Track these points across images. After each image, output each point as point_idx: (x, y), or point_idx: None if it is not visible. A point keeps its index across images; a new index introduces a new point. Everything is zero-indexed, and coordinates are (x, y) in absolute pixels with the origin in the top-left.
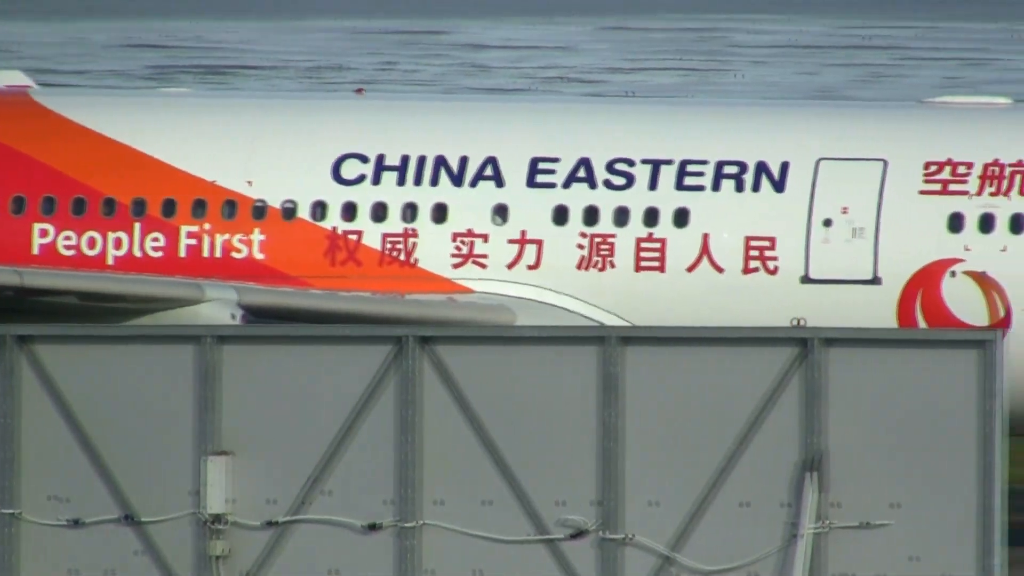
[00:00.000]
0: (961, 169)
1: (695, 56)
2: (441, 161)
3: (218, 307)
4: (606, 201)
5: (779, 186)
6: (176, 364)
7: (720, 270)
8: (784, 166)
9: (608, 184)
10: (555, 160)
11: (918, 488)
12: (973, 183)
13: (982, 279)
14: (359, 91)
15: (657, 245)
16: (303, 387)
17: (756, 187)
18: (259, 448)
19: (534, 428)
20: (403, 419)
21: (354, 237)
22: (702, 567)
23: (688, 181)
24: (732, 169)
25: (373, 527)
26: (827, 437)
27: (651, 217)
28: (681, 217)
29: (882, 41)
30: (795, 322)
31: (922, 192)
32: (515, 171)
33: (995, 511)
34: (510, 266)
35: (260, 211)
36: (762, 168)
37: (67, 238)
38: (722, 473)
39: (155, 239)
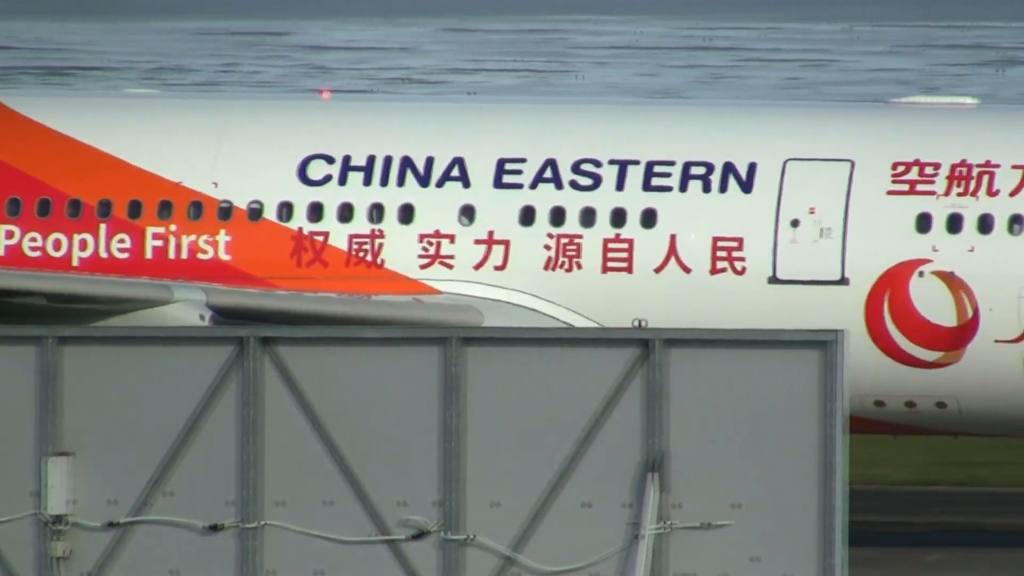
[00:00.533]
0: (929, 170)
1: (536, 57)
2: (407, 162)
3: (187, 308)
4: (573, 202)
5: (746, 187)
6: (17, 365)
7: (688, 271)
8: (751, 167)
9: (575, 185)
10: (522, 161)
11: (759, 488)
12: (941, 184)
13: (950, 279)
14: (324, 92)
15: (624, 246)
16: (145, 388)
17: (723, 188)
18: (101, 449)
19: (376, 429)
20: (244, 420)
21: (320, 238)
22: (544, 568)
23: (655, 182)
24: (699, 170)
25: (215, 528)
26: (669, 438)
27: (618, 218)
28: (648, 218)
29: (723, 42)
30: (636, 323)
31: (890, 192)
32: (482, 172)
33: (836, 511)
34: (477, 267)
35: (226, 212)
36: (729, 169)
37: (32, 239)
38: (564, 474)
39: (121, 240)
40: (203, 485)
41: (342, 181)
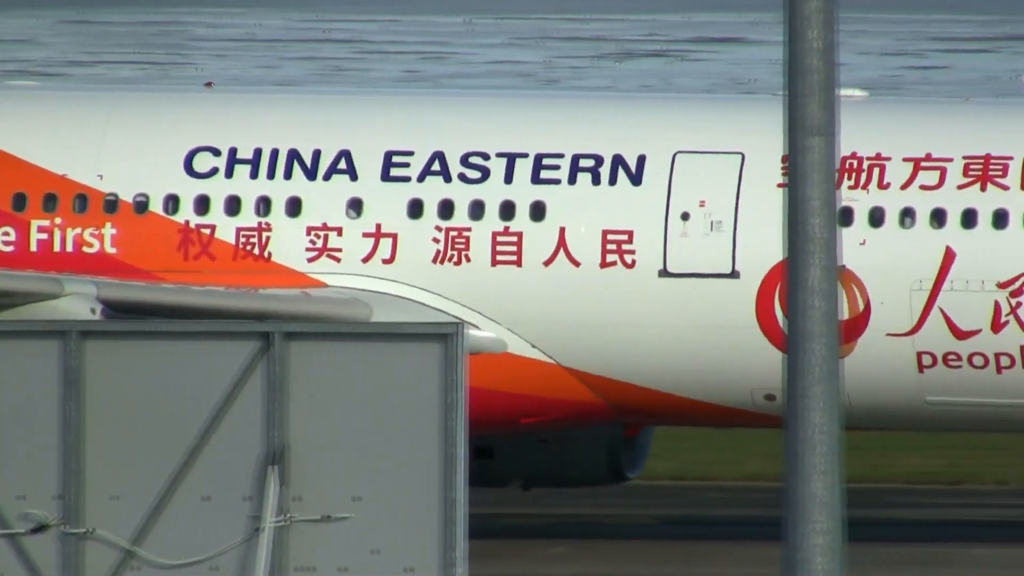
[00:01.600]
0: None
1: (156, 49)
2: (294, 154)
3: (77, 302)
4: (461, 195)
5: (636, 179)
6: None
7: (577, 264)
8: (641, 159)
9: (463, 178)
10: (409, 154)
11: (381, 481)
12: None
13: (841, 273)
14: (208, 84)
15: (513, 239)
16: None
17: (613, 180)
18: None
19: None
20: None
21: (207, 231)
22: (163, 561)
23: (544, 175)
24: (588, 163)
25: None
26: (289, 431)
27: (507, 211)
28: (537, 211)
29: (343, 35)
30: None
31: (780, 185)
32: (369, 164)
33: (458, 504)
34: (365, 260)
35: (112, 205)
36: (619, 161)
37: None
38: (184, 467)
39: (5, 233)
40: None
41: (229, 174)
